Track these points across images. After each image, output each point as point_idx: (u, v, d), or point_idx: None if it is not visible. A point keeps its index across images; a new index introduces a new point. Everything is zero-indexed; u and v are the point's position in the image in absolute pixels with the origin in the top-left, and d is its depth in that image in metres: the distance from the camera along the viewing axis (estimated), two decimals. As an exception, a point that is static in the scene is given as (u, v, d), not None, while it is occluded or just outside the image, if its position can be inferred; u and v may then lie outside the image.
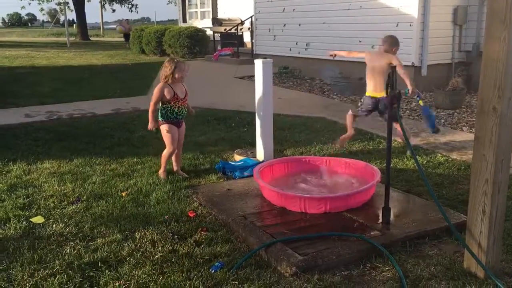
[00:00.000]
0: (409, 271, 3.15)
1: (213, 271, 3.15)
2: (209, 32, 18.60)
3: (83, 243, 3.58)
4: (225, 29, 17.43)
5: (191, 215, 4.08)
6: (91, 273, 3.16)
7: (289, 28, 12.91)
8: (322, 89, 11.03)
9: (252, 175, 4.67)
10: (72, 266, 3.24)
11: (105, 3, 46.20)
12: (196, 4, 21.98)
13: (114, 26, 42.24)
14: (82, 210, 4.20)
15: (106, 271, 3.17)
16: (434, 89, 9.01)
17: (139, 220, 3.97)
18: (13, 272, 3.17)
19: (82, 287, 3.01)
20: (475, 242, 3.07)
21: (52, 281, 3.04)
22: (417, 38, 9.59)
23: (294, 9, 12.63)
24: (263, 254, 3.35)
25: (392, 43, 5.25)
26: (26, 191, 4.66)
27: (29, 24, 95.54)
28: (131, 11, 46.86)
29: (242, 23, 16.84)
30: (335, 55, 5.78)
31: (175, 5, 25.35)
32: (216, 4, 20.42)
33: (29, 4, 48.76)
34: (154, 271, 3.17)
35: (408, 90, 4.97)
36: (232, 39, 17.20)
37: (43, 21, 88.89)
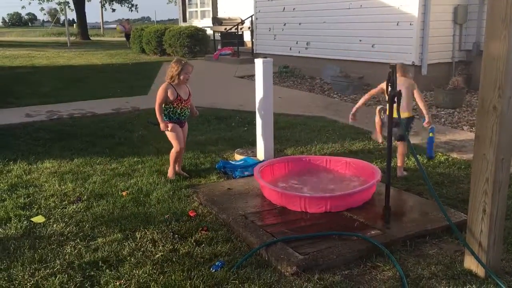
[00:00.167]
0: (410, 270, 3.15)
1: (214, 270, 3.15)
2: (209, 31, 18.59)
3: (84, 243, 3.58)
4: (225, 29, 17.43)
5: (191, 214, 4.08)
6: (92, 273, 3.16)
7: (290, 27, 12.91)
8: (323, 88, 11.02)
9: (252, 175, 4.67)
10: (73, 265, 3.25)
11: (105, 3, 46.17)
12: (196, 4, 21.97)
13: (114, 26, 42.22)
14: (82, 209, 4.21)
15: (107, 270, 3.18)
16: (434, 88, 9.00)
17: (139, 219, 3.97)
18: (13, 271, 3.17)
19: (82, 287, 3.01)
20: (475, 241, 3.07)
21: (53, 281, 3.04)
22: (417, 37, 9.58)
23: (294, 8, 12.62)
24: (264, 254, 3.35)
25: (406, 69, 5.28)
26: (26, 190, 4.66)
27: (30, 24, 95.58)
28: (131, 10, 46.91)
29: (242, 22, 16.84)
30: (356, 113, 5.51)
31: (175, 5, 25.36)
32: (216, 3, 20.41)
33: (29, 3, 48.71)
34: (155, 271, 3.17)
35: (425, 120, 5.03)
36: (232, 39, 17.20)
37: (43, 20, 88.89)
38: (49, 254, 3.40)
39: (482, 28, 9.36)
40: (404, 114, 4.95)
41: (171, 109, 4.87)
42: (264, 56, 5.92)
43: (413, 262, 3.25)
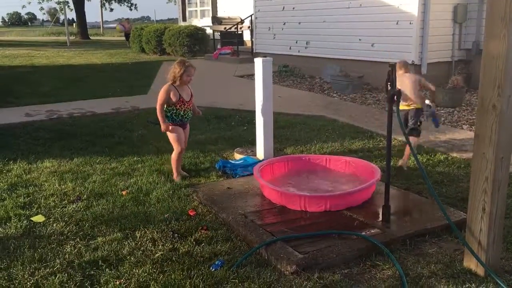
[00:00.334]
0: (409, 269, 3.16)
1: (214, 269, 3.16)
2: (209, 31, 18.58)
3: (84, 242, 3.58)
4: (225, 28, 17.42)
5: (191, 213, 4.08)
6: (92, 272, 3.16)
7: (289, 26, 12.90)
8: (322, 87, 11.03)
9: (252, 174, 4.67)
10: (73, 265, 3.25)
11: (105, 3, 46.16)
12: (196, 3, 21.96)
13: (114, 25, 42.20)
14: (82, 209, 4.21)
15: (107, 269, 3.18)
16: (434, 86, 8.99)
17: (139, 218, 3.97)
18: (13, 271, 3.17)
19: (82, 286, 3.02)
20: (475, 240, 3.07)
21: (53, 280, 3.05)
22: (417, 36, 9.58)
23: (294, 8, 12.62)
24: (263, 253, 3.35)
25: (409, 66, 5.59)
26: (26, 190, 4.66)
27: (29, 23, 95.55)
28: (131, 9, 46.86)
29: (242, 21, 16.83)
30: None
31: (175, 4, 25.35)
32: (216, 2, 20.41)
33: (29, 3, 48.67)
34: (155, 270, 3.17)
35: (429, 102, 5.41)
36: (232, 38, 17.19)
37: (43, 20, 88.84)
38: (49, 253, 3.41)
39: (482, 27, 9.36)
40: (413, 107, 5.24)
41: (174, 111, 4.85)
42: (263, 55, 5.93)
43: (413, 261, 3.25)
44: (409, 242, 3.48)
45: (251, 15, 15.04)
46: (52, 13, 65.50)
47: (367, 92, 10.16)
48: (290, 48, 12.96)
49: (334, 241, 3.42)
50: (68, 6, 37.24)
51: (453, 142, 6.28)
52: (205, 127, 7.20)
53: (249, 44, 16.65)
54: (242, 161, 5.36)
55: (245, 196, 4.39)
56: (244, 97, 8.76)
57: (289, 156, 5.32)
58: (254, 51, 14.53)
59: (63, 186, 4.76)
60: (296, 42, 12.71)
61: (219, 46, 17.57)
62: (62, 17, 44.68)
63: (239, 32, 17.29)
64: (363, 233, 3.53)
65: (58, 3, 40.81)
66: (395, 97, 3.56)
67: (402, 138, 5.85)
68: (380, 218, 3.78)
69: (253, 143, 5.82)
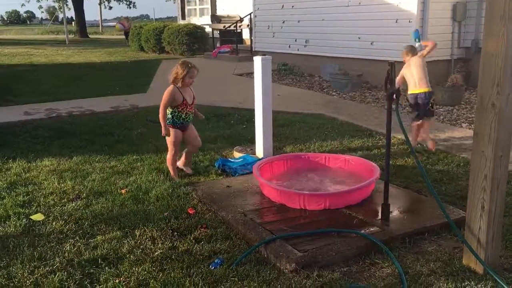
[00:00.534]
0: (409, 267, 3.16)
1: (213, 267, 3.16)
2: (208, 29, 18.57)
3: (83, 240, 3.58)
4: (224, 26, 17.40)
5: (190, 212, 4.08)
6: (91, 270, 3.16)
7: (288, 25, 12.90)
8: (321, 85, 11.03)
9: (251, 172, 4.68)
10: (72, 263, 3.25)
11: (104, 1, 46.08)
12: (195, 1, 21.95)
13: (113, 24, 42.15)
14: (81, 207, 4.21)
15: (106, 268, 3.18)
16: (433, 85, 8.99)
17: (138, 217, 3.97)
18: (13, 269, 3.17)
19: (82, 284, 3.02)
20: (474, 238, 3.08)
21: (52, 278, 3.05)
22: (416, 35, 9.57)
23: (293, 6, 12.61)
24: (263, 251, 3.36)
25: (416, 50, 6.04)
26: (25, 188, 4.66)
27: (28, 22, 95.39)
28: (130, 7, 46.77)
29: (241, 20, 16.82)
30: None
31: (174, 2, 25.30)
32: (215, 1, 20.40)
33: (28, 1, 48.50)
34: (154, 268, 3.17)
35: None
36: (231, 36, 17.18)
37: (41, 18, 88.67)
38: (49, 251, 3.41)
39: (481, 26, 9.36)
40: (423, 90, 5.64)
41: (176, 113, 4.82)
42: (263, 53, 5.93)
43: (412, 259, 3.26)
44: (408, 240, 3.48)
45: (250, 14, 15.03)
46: (51, 11, 65.37)
47: (366, 91, 10.16)
48: (289, 46, 12.95)
49: (334, 239, 3.43)
50: (67, 5, 37.20)
51: (452, 140, 6.29)
52: (204, 126, 7.19)
53: (248, 42, 16.65)
54: (241, 159, 5.36)
55: (245, 194, 4.39)
56: (243, 96, 8.76)
57: (288, 155, 5.32)
58: (253, 50, 14.52)
59: (62, 185, 4.76)
60: (295, 41, 12.71)
61: (218, 45, 17.56)
62: (61, 16, 44.58)
63: (238, 31, 17.29)
64: (363, 231, 3.54)
65: (57, 1, 40.77)
66: (394, 95, 3.56)
67: (401, 136, 5.85)
68: (380, 216, 3.79)
69: (252, 141, 5.81)
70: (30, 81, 11.89)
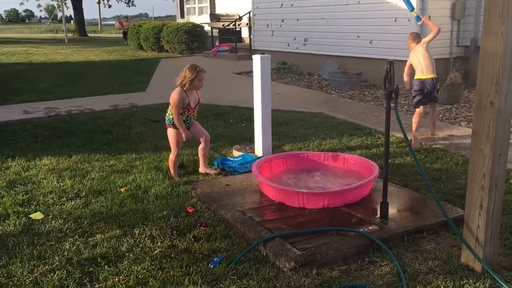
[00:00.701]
0: (407, 265, 3.17)
1: (212, 266, 3.16)
2: (207, 27, 18.57)
3: (83, 239, 3.58)
4: (223, 25, 17.40)
5: (190, 210, 4.09)
6: (91, 269, 3.17)
7: (287, 23, 12.90)
8: (320, 84, 11.03)
9: (250, 171, 4.68)
10: (72, 262, 3.25)
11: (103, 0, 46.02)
12: (194, 0, 21.93)
13: (112, 22, 42.11)
14: (81, 206, 4.21)
15: (106, 266, 3.18)
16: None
17: (138, 216, 3.98)
18: (12, 268, 3.18)
19: (81, 283, 3.02)
20: (472, 236, 3.08)
21: (52, 277, 3.05)
22: (415, 33, 9.57)
23: (292, 4, 12.61)
24: (262, 249, 3.36)
25: (420, 36, 6.45)
26: (25, 187, 4.66)
27: (27, 21, 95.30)
28: (129, 6, 46.75)
29: (240, 18, 16.82)
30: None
31: (173, 1, 25.29)
32: (214, -1, 20.40)
33: (27, 0, 48.38)
34: (153, 267, 3.18)
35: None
36: (230, 35, 17.18)
37: (40, 17, 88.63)
38: (48, 250, 3.41)
39: (480, 24, 9.36)
40: (430, 76, 5.95)
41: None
42: (262, 52, 5.93)
43: (411, 257, 3.27)
44: (407, 239, 3.49)
45: (249, 12, 15.03)
46: (50, 10, 65.31)
47: (365, 89, 10.17)
48: (288, 45, 12.96)
49: (332, 237, 3.43)
50: (66, 3, 37.15)
51: (451, 139, 6.29)
52: (203, 125, 7.15)
53: (247, 41, 16.64)
54: (240, 158, 5.36)
55: (244, 193, 4.40)
56: (242, 94, 8.76)
57: (287, 153, 5.32)
58: (252, 48, 14.53)
59: (61, 184, 4.76)
60: (295, 39, 12.71)
61: (217, 43, 17.57)
62: (59, 14, 44.52)
63: (237, 29, 17.29)
64: (361, 230, 3.54)
65: None
66: (393, 94, 3.56)
67: (400, 135, 5.86)
68: (378, 215, 3.79)
69: (251, 140, 5.82)
70: (29, 80, 11.88)
